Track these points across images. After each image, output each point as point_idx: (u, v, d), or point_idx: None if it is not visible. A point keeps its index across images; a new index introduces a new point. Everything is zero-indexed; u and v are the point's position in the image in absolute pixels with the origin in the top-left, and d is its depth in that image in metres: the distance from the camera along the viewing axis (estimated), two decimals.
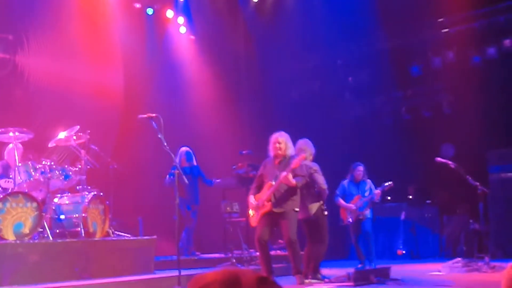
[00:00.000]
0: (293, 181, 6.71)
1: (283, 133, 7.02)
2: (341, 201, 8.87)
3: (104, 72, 10.53)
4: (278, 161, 6.93)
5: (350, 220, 8.75)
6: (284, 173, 6.65)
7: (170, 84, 11.60)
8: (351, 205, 8.77)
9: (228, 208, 8.96)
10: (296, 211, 6.84)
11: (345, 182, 8.98)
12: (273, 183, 6.79)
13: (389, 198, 11.65)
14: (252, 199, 6.97)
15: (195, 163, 9.33)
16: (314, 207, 7.31)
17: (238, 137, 11.29)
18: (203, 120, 11.65)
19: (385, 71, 11.92)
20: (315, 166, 7.36)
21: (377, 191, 8.74)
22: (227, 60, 12.34)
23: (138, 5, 11.44)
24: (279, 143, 6.91)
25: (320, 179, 7.31)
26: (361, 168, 8.93)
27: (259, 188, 7.01)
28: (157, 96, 10.94)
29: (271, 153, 6.99)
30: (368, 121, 12.10)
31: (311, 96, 12.54)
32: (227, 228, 9.02)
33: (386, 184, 8.78)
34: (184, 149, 9.26)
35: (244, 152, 9.40)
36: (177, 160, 8.95)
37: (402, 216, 11.12)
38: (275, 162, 6.94)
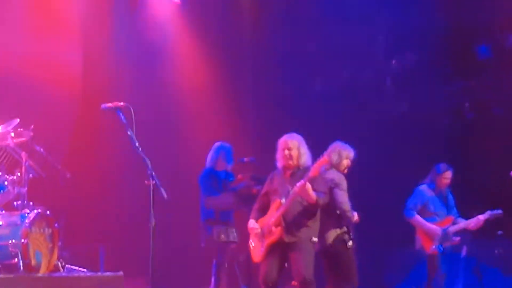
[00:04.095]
0: (313, 195, 6.68)
1: (294, 135, 7.08)
2: (420, 219, 8.83)
3: (56, 49, 10.48)
4: (290, 173, 6.97)
5: (440, 247, 8.73)
6: (301, 182, 6.65)
7: (146, 66, 11.55)
8: (437, 227, 8.76)
9: (222, 236, 8.89)
10: (314, 241, 6.89)
11: (424, 189, 8.99)
12: (283, 201, 6.79)
13: None
14: (253, 224, 6.98)
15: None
16: (331, 234, 7.37)
17: (239, 140, 11.03)
18: (191, 115, 11.63)
19: (441, 53, 11.88)
20: (338, 178, 7.39)
21: (481, 218, 8.83)
22: (226, 36, 12.33)
23: None
24: (290, 149, 6.94)
25: (341, 196, 7.33)
26: (449, 173, 8.97)
27: (263, 210, 7.04)
28: (128, 82, 10.96)
29: (279, 163, 7.05)
30: (417, 120, 12.09)
31: (340, 86, 12.53)
32: (221, 262, 8.91)
33: (494, 212, 8.90)
34: (220, 144, 9.24)
35: (245, 159, 9.43)
36: (210, 159, 9.05)
37: (463, 252, 11.01)
38: (285, 175, 6.99)
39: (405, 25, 12.06)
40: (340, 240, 7.40)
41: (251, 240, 7.04)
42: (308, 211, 6.79)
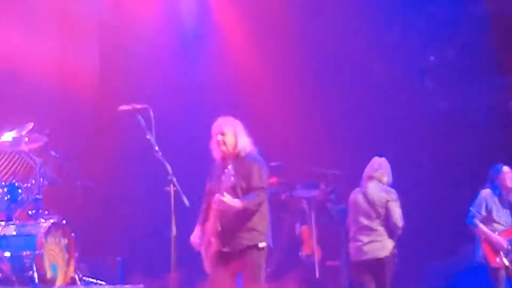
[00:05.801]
0: (238, 204, 6.22)
1: (230, 118, 6.65)
2: (483, 229, 8.56)
3: (71, 48, 10.53)
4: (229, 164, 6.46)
5: (505, 261, 8.47)
6: (217, 197, 6.24)
7: (170, 61, 11.37)
8: (503, 239, 8.50)
9: None
10: (261, 248, 6.33)
11: (488, 194, 8.71)
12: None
13: None
14: (195, 232, 6.70)
15: None
16: (388, 246, 7.65)
17: (265, 143, 11.03)
18: (215, 116, 11.43)
19: (488, 45, 11.73)
20: (393, 193, 7.73)
21: None
22: (270, 30, 12.13)
23: None
24: (223, 134, 6.47)
25: (397, 212, 7.65)
26: (510, 171, 8.72)
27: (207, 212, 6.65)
28: (149, 82, 10.89)
29: (214, 153, 6.64)
30: (460, 121, 11.87)
31: (372, 83, 12.28)
32: None
33: None
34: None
35: (273, 163, 9.26)
36: None
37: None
38: (224, 169, 6.36)
39: (445, 15, 11.91)
40: (393, 254, 7.67)
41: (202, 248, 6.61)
42: (247, 212, 6.24)
